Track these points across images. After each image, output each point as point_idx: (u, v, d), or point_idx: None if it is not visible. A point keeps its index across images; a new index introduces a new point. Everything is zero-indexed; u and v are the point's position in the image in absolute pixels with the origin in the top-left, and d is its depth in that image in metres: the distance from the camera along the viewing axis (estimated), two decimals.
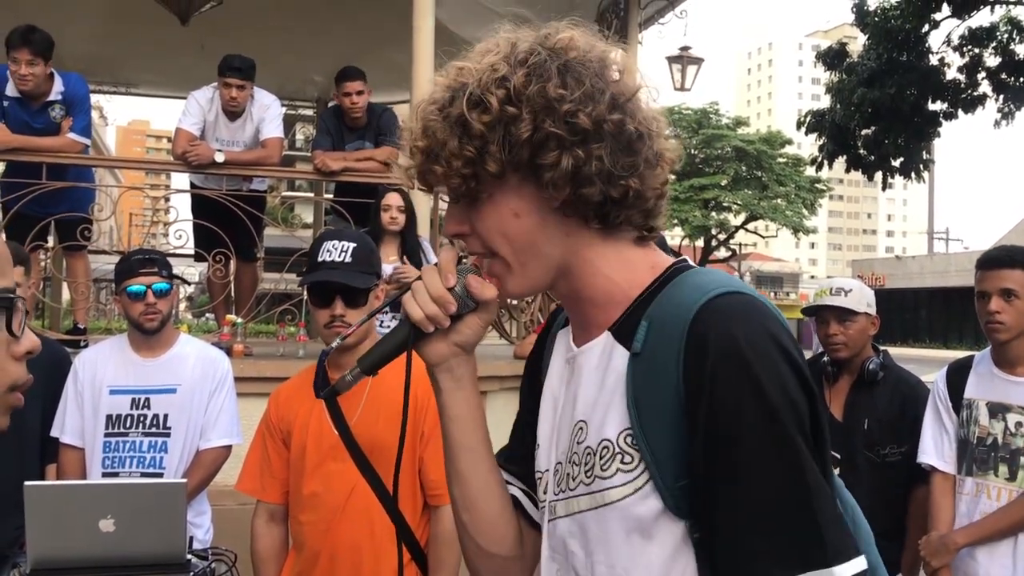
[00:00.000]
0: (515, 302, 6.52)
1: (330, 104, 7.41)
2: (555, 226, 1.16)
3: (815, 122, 17.74)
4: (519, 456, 1.35)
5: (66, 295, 9.87)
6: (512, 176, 1.14)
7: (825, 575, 1.01)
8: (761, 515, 1.03)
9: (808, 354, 3.55)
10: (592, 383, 1.19)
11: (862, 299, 3.38)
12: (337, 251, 2.56)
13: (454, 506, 1.33)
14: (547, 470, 1.27)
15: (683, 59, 13.78)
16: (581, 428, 1.19)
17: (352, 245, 2.57)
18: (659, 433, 1.09)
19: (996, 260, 3.03)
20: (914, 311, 48.04)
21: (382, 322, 5.09)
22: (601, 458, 1.15)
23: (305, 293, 2.78)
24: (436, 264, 1.23)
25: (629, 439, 1.12)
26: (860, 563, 1.02)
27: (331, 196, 6.96)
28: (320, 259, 2.56)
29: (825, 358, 3.46)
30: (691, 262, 1.26)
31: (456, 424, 1.30)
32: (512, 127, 1.10)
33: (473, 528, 1.32)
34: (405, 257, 5.33)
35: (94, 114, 6.44)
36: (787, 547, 1.02)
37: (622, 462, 1.12)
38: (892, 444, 3.31)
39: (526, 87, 1.10)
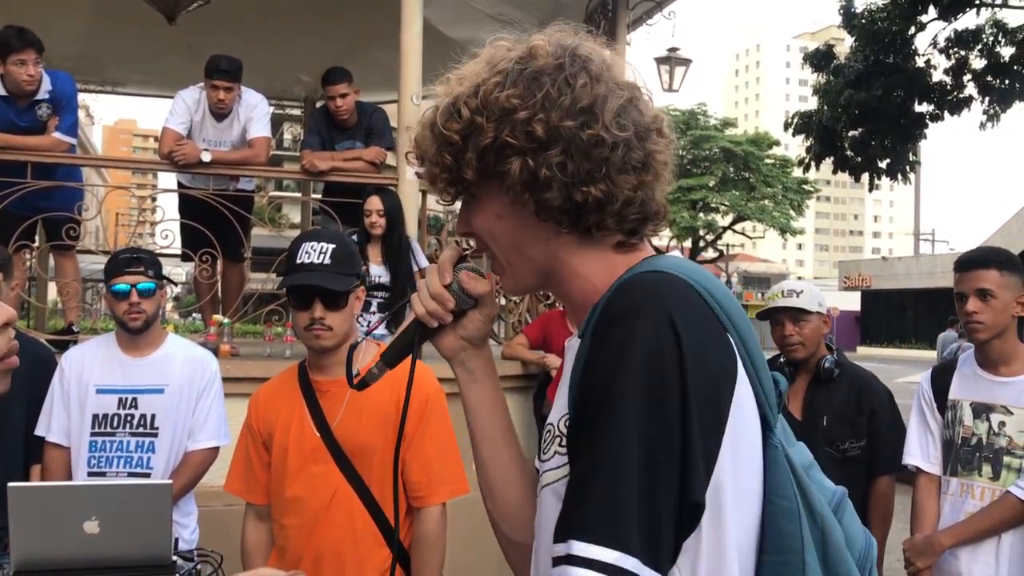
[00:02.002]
0: (503, 302, 6.52)
1: (319, 104, 7.38)
2: (534, 230, 1.20)
3: (802, 123, 17.77)
4: None
5: (51, 295, 9.82)
6: (490, 182, 1.19)
7: (562, 547, 0.99)
8: (574, 479, 1.05)
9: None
10: (564, 375, 1.23)
11: (813, 299, 3.47)
12: (316, 253, 2.52)
13: (482, 495, 1.39)
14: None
15: (671, 60, 13.79)
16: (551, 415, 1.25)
17: (331, 246, 2.53)
18: None
19: (972, 261, 3.08)
20: (900, 312, 48.24)
21: (369, 323, 5.08)
22: (545, 442, 1.21)
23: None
24: (438, 263, 1.32)
25: (566, 421, 1.14)
26: (605, 553, 0.96)
27: (318, 196, 6.94)
28: (299, 261, 2.53)
29: (781, 359, 3.51)
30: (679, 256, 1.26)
31: (474, 415, 1.37)
32: (479, 136, 1.16)
33: (497, 516, 1.38)
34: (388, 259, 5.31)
35: (80, 113, 6.39)
36: (564, 515, 1.03)
37: (560, 444, 1.15)
38: (851, 439, 3.42)
39: (490, 96, 1.15)
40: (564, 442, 1.13)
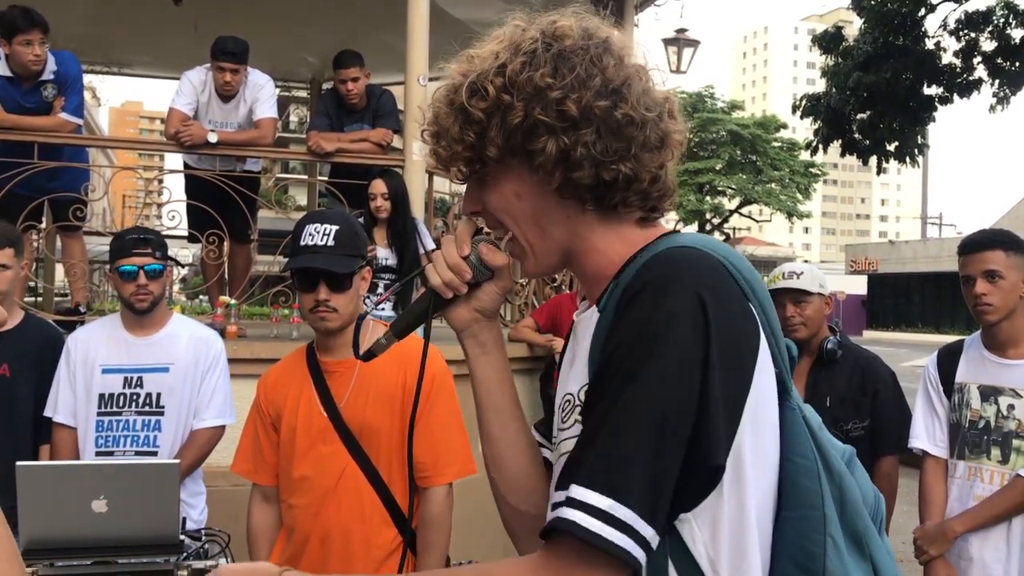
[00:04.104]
0: (511, 289, 6.52)
1: (327, 86, 7.34)
2: (555, 208, 1.22)
3: (810, 106, 17.67)
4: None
5: (59, 276, 9.84)
6: (512, 160, 1.21)
7: (562, 493, 1.05)
8: (585, 432, 1.10)
9: None
10: (578, 347, 1.26)
11: (814, 280, 3.48)
12: (319, 235, 2.51)
13: (486, 465, 1.40)
14: (556, 435, 1.33)
15: (679, 41, 13.74)
16: (564, 386, 1.28)
17: (335, 228, 2.52)
18: None
19: (977, 243, 3.06)
20: (907, 296, 48.15)
21: (378, 305, 5.09)
22: (563, 411, 1.24)
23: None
24: (455, 235, 1.32)
25: (586, 391, 1.17)
26: (600, 499, 1.02)
27: (324, 178, 6.92)
28: (303, 243, 2.52)
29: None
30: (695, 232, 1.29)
31: (484, 387, 1.37)
32: (507, 114, 1.17)
33: (503, 486, 1.39)
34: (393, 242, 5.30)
35: (87, 95, 6.38)
36: (568, 464, 1.09)
37: (579, 414, 1.18)
38: (854, 419, 3.42)
39: (519, 75, 1.16)
40: (583, 412, 1.16)
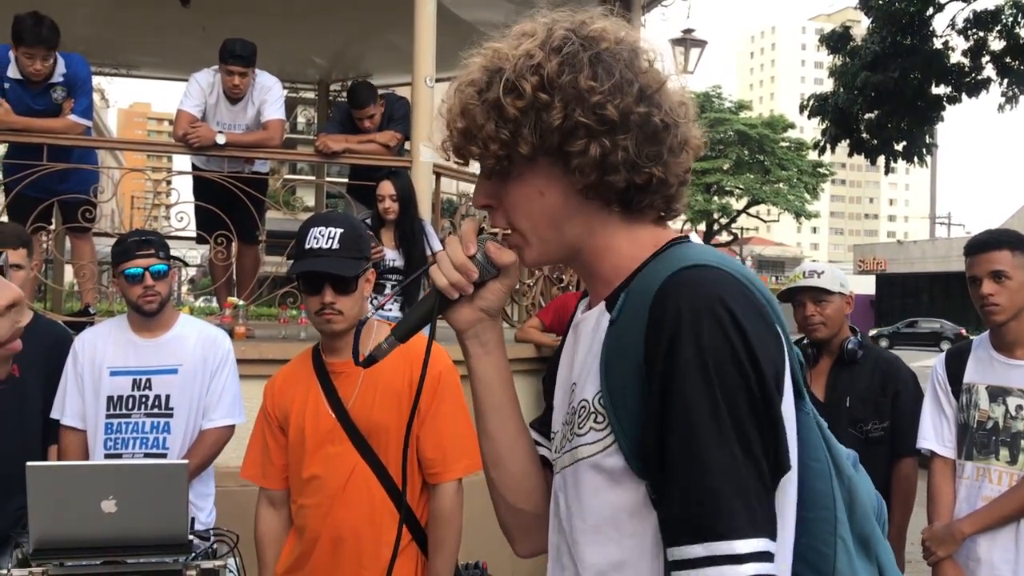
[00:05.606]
0: (516, 286, 6.52)
1: (334, 87, 7.32)
2: (577, 207, 1.23)
3: (818, 106, 17.67)
4: (550, 420, 1.41)
5: (68, 277, 9.87)
6: (542, 159, 1.21)
7: (725, 547, 1.02)
8: (675, 480, 1.07)
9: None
10: (584, 347, 1.26)
11: (835, 279, 3.47)
12: (324, 237, 2.52)
13: (484, 464, 1.41)
14: (557, 431, 1.33)
15: (686, 42, 13.72)
16: (573, 389, 1.27)
17: (339, 231, 2.53)
18: (623, 396, 1.14)
19: (983, 244, 3.05)
20: (915, 296, 48.00)
21: (382, 305, 5.09)
22: (579, 416, 1.22)
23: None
24: (459, 235, 1.31)
25: (601, 400, 1.17)
26: (760, 543, 1.02)
27: (332, 179, 6.93)
28: (307, 246, 2.53)
29: (805, 341, 3.50)
30: (694, 239, 1.30)
31: (484, 387, 1.37)
32: (544, 114, 1.17)
33: (501, 485, 1.39)
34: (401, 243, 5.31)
35: (95, 96, 6.40)
36: (684, 517, 1.06)
37: (595, 421, 1.18)
38: (874, 420, 3.42)
39: (559, 76, 1.16)
40: (598, 419, 1.17)
